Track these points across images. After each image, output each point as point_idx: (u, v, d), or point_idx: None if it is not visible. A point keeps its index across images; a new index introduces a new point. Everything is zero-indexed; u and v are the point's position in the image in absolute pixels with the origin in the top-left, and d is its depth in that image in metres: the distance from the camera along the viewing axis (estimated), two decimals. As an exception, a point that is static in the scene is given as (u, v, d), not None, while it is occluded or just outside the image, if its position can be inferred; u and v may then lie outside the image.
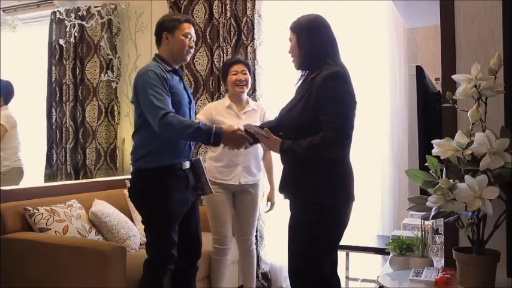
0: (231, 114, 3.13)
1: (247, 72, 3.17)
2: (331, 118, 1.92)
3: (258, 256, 3.67)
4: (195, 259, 2.68)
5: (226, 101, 3.19)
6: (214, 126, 2.41)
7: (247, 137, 2.32)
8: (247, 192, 3.14)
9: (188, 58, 2.63)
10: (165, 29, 2.58)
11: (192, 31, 2.61)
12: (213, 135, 2.36)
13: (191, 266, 2.68)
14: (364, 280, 3.26)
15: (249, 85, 3.21)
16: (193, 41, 2.62)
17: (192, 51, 2.62)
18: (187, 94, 2.63)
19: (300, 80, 2.17)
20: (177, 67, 2.62)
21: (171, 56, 2.58)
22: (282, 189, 2.13)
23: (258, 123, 2.80)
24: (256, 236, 3.66)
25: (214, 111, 3.13)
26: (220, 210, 3.08)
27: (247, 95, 3.29)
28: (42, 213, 2.87)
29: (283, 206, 3.68)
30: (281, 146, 2.04)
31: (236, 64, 3.17)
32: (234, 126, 2.41)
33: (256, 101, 3.69)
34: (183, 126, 2.33)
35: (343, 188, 2.03)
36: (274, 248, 3.75)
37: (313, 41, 2.09)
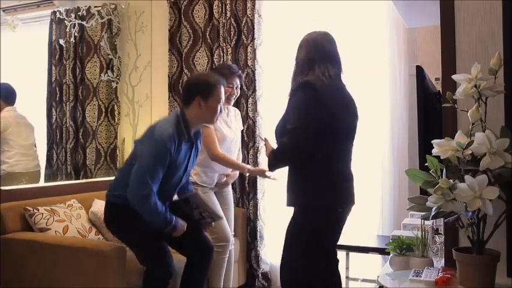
0: (225, 122, 3.15)
1: (238, 86, 3.20)
2: (288, 125, 2.06)
3: (257, 256, 3.67)
4: (205, 255, 2.73)
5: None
6: (174, 220, 2.48)
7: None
8: (223, 190, 3.23)
9: (216, 121, 2.66)
10: (198, 93, 2.50)
11: (223, 91, 2.58)
12: (171, 228, 2.47)
13: (203, 263, 2.72)
14: (364, 280, 3.26)
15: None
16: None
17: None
18: (188, 162, 2.60)
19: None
20: (196, 130, 2.59)
21: (198, 120, 2.55)
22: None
23: (239, 130, 3.24)
24: (256, 236, 3.67)
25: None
26: (211, 202, 3.07)
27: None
28: (42, 213, 2.86)
29: (282, 207, 3.70)
30: (269, 154, 2.19)
31: (237, 77, 3.16)
32: (183, 229, 2.54)
33: (256, 101, 3.69)
34: (154, 213, 2.41)
35: (326, 193, 2.09)
36: (274, 248, 3.75)
37: (306, 54, 2.22)
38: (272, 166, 2.20)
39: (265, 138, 2.31)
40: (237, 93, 3.20)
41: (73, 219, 2.95)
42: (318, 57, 2.17)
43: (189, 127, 2.52)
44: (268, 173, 2.92)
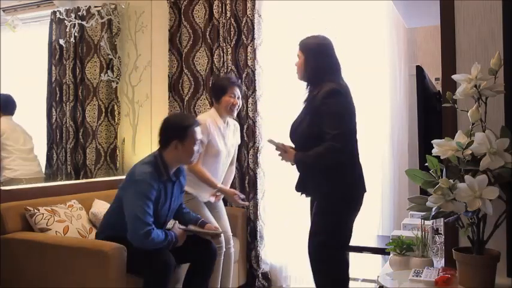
0: (221, 135, 3.15)
1: (240, 96, 3.22)
2: (330, 130, 2.32)
3: (258, 256, 3.67)
4: (208, 256, 2.80)
5: (218, 120, 3.15)
6: (174, 236, 2.60)
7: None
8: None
9: (195, 160, 2.72)
10: (175, 136, 2.60)
11: (199, 131, 2.68)
12: (173, 243, 2.59)
13: (206, 264, 2.79)
14: (364, 280, 3.26)
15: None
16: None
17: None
18: (171, 200, 2.70)
19: (306, 95, 2.53)
20: (173, 171, 2.68)
21: (176, 161, 2.65)
22: (300, 189, 2.54)
23: (236, 145, 3.29)
24: (256, 236, 3.68)
25: (212, 132, 3.08)
26: (201, 212, 3.08)
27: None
28: (43, 214, 2.87)
29: (283, 207, 3.71)
30: (295, 158, 2.45)
31: (233, 86, 3.17)
32: (184, 236, 2.68)
33: (256, 101, 3.69)
34: (158, 245, 2.50)
35: (357, 182, 2.46)
36: (274, 248, 3.75)
37: (318, 62, 2.47)
38: (308, 168, 2.46)
39: (282, 144, 2.49)
40: (239, 103, 3.20)
41: (73, 219, 2.96)
42: (332, 64, 2.48)
43: (168, 167, 2.63)
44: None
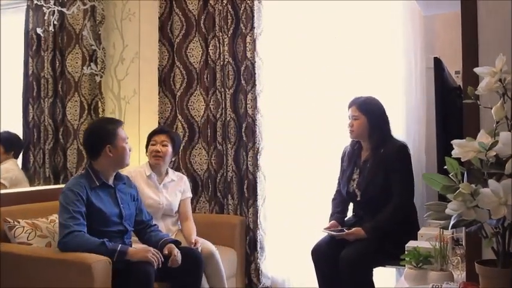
0: (151, 186, 3.35)
1: (168, 144, 3.37)
2: (400, 185, 2.94)
3: (258, 269, 3.67)
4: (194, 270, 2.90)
5: (147, 169, 3.38)
6: (120, 246, 2.67)
7: (158, 257, 2.69)
8: None
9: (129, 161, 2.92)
10: (105, 141, 2.80)
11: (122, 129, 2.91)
12: (116, 254, 2.62)
13: (193, 272, 2.90)
14: (376, 295, 3.26)
15: (168, 158, 3.40)
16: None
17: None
18: (121, 208, 2.84)
19: (366, 154, 3.13)
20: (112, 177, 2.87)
21: (112, 167, 2.85)
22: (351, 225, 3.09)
23: (179, 196, 3.44)
24: (255, 247, 3.67)
25: (134, 180, 3.24)
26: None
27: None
28: (24, 227, 2.91)
29: (285, 214, 3.71)
30: (366, 232, 2.90)
31: (157, 134, 3.41)
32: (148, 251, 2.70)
33: (256, 97, 3.69)
34: (85, 244, 2.61)
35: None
36: (276, 260, 3.76)
37: (384, 124, 3.10)
38: (384, 232, 2.91)
39: (344, 232, 2.97)
40: (164, 151, 3.36)
41: (56, 236, 2.99)
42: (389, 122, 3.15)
43: (99, 174, 2.81)
44: None
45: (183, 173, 3.73)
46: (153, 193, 3.35)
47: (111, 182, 2.87)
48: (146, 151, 3.48)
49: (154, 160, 3.37)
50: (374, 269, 2.97)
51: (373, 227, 2.91)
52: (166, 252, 2.81)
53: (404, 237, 2.52)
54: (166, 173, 3.46)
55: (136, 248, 2.78)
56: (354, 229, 2.94)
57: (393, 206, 2.90)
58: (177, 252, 2.82)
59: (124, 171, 3.09)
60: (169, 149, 3.39)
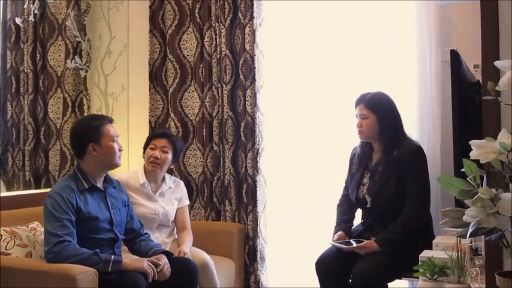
0: (144, 195, 3.35)
1: (169, 151, 3.36)
2: (415, 189, 2.89)
3: (258, 281, 3.68)
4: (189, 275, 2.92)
5: (141, 177, 3.37)
6: (113, 256, 2.71)
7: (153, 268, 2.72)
8: None
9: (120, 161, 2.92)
10: (89, 139, 2.80)
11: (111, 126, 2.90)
12: (111, 264, 2.65)
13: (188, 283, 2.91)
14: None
15: (166, 166, 3.40)
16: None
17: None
18: (112, 213, 2.87)
19: (377, 156, 3.09)
20: (101, 180, 2.89)
21: (100, 168, 2.86)
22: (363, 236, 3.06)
23: (176, 204, 3.45)
24: (255, 257, 3.68)
25: (126, 187, 3.26)
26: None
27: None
28: (1, 235, 2.91)
29: (287, 222, 3.71)
30: (379, 245, 2.87)
31: (159, 138, 3.38)
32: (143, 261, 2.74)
33: (256, 93, 3.69)
34: (77, 254, 2.62)
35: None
36: (277, 271, 3.76)
37: (396, 122, 3.06)
38: (403, 238, 2.87)
39: (357, 246, 2.91)
40: (162, 158, 3.34)
41: (37, 245, 3.00)
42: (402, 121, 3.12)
43: (87, 176, 2.83)
44: None
45: (176, 176, 3.74)
46: (148, 202, 3.35)
47: (100, 184, 2.89)
48: (144, 153, 3.45)
49: (151, 167, 3.34)
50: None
51: (386, 239, 2.88)
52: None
53: (421, 247, 2.53)
54: (163, 179, 3.45)
55: (130, 257, 2.79)
56: (365, 242, 2.91)
57: (407, 215, 2.87)
58: (164, 263, 2.81)
59: (115, 178, 3.11)
60: (169, 156, 3.38)
